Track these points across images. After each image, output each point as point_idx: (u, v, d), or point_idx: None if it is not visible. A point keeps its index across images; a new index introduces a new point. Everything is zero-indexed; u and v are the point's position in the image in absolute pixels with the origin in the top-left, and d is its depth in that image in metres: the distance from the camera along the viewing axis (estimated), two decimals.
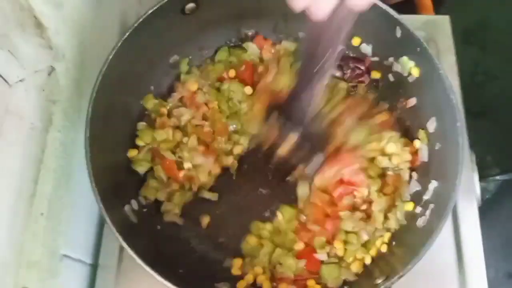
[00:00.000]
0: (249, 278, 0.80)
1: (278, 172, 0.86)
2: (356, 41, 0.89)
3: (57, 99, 0.76)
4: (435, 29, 1.00)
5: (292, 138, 0.79)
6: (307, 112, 0.76)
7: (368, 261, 0.81)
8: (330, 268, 0.80)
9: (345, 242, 0.82)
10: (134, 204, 0.82)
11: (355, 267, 0.80)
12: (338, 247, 0.81)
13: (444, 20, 1.02)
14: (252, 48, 0.94)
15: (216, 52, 0.94)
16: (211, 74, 0.92)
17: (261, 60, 0.94)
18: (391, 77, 0.88)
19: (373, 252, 0.81)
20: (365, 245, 0.82)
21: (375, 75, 0.91)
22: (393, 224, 0.81)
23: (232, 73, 0.92)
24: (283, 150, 0.80)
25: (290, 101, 0.77)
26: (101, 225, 0.87)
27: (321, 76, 0.68)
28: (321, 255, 0.81)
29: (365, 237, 0.81)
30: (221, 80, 0.92)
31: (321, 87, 0.71)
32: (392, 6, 0.79)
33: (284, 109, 0.79)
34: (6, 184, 0.65)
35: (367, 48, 0.89)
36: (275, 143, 0.81)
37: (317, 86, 0.70)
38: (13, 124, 0.66)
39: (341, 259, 0.82)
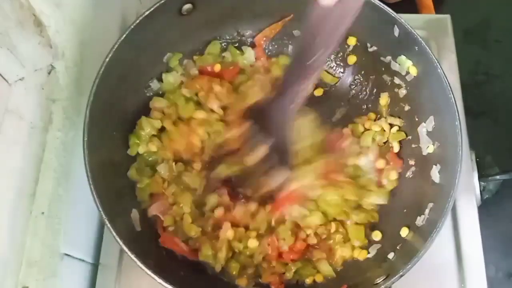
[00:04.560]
0: None
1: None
2: (351, 40, 0.88)
3: (57, 98, 0.76)
4: (436, 29, 1.00)
5: (262, 150, 0.77)
6: (285, 118, 0.72)
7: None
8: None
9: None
10: (135, 212, 0.81)
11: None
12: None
13: (445, 20, 1.02)
14: (249, 53, 0.91)
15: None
16: (197, 62, 0.90)
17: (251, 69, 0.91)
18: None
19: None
20: None
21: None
22: None
23: (217, 67, 0.89)
24: (250, 160, 0.78)
25: (269, 105, 0.73)
26: (102, 224, 0.87)
27: (311, 71, 0.65)
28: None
29: None
30: (202, 72, 0.89)
31: (308, 86, 0.68)
32: (393, 6, 0.78)
33: (259, 117, 0.77)
34: (6, 183, 0.65)
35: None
36: (242, 152, 0.79)
37: (304, 83, 0.67)
38: (13, 123, 0.66)
39: None
